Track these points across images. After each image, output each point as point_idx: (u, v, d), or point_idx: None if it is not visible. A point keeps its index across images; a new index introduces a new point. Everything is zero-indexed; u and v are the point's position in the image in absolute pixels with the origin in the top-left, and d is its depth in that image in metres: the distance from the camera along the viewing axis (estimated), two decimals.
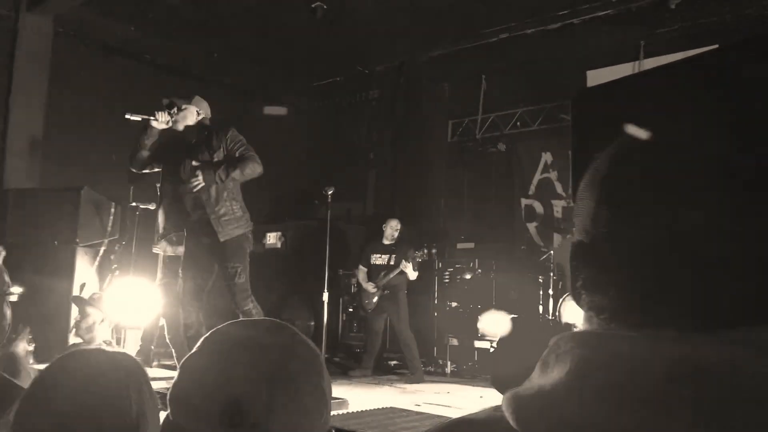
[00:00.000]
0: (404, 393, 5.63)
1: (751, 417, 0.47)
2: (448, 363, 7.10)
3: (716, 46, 0.68)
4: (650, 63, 6.86)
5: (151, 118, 4.37)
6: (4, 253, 1.56)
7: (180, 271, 4.68)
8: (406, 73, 9.10)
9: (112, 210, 6.16)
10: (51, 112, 7.42)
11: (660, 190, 0.56)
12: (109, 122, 8.06)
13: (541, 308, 6.89)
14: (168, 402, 0.92)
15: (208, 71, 9.04)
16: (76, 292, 5.71)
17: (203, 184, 4.28)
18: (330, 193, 5.95)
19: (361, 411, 4.38)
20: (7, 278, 1.58)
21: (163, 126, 4.42)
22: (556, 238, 7.63)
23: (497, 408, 0.58)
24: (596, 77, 7.16)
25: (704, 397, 0.48)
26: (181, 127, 4.46)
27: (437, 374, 7.05)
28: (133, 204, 5.93)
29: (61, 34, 7.60)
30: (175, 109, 4.45)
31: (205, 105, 4.63)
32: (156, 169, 4.66)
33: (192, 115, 4.51)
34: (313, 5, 6.77)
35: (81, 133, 7.79)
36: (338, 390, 5.16)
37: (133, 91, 8.36)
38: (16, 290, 1.69)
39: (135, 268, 5.75)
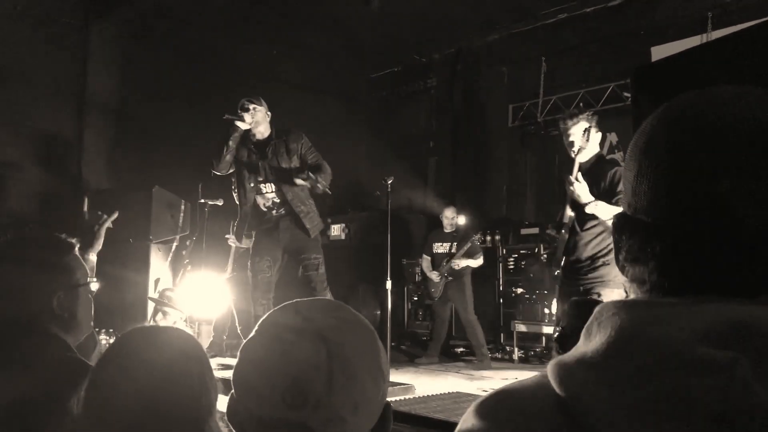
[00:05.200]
0: (471, 379, 5.63)
1: None
2: (515, 349, 7.04)
3: None
4: (719, 35, 6.55)
5: (236, 118, 4.64)
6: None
7: (249, 267, 4.84)
8: (463, 59, 9.01)
9: (182, 207, 6.38)
10: (123, 115, 7.73)
11: (702, 161, 0.55)
12: (176, 123, 8.36)
13: None
14: (232, 385, 0.93)
15: (267, 68, 9.21)
16: (151, 286, 5.94)
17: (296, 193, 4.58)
18: (390, 183, 5.97)
19: (427, 396, 4.40)
20: (87, 269, 1.68)
21: (247, 126, 4.67)
22: None
23: (544, 375, 0.59)
24: (661, 53, 6.87)
25: (748, 349, 0.48)
26: (260, 128, 4.71)
27: (504, 360, 7.01)
28: (202, 201, 6.12)
29: (130, 39, 7.89)
30: (253, 107, 4.69)
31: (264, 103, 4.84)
32: (232, 170, 4.86)
33: (262, 113, 4.73)
34: None
35: (151, 134, 8.09)
36: (405, 377, 5.21)
37: (198, 91, 8.62)
38: (94, 286, 1.78)
39: (206, 263, 5.95)
